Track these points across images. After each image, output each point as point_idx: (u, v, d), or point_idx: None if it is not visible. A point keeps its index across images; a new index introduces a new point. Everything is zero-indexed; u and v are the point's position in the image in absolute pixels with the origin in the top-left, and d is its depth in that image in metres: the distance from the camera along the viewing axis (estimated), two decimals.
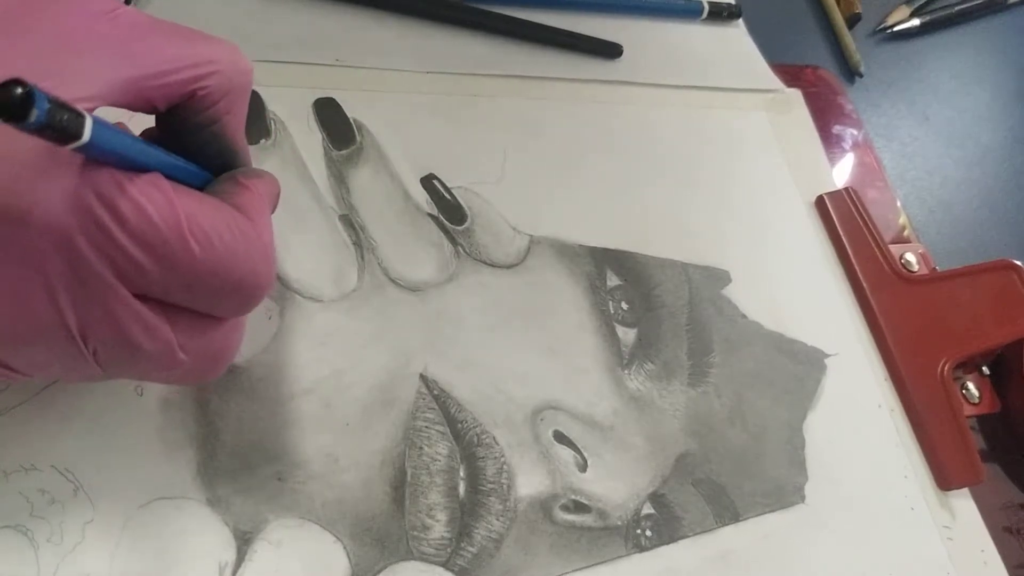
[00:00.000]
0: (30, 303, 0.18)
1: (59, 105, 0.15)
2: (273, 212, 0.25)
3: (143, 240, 0.19)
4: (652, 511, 0.33)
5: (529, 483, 0.31)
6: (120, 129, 0.18)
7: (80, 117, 0.16)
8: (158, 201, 0.19)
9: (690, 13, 0.48)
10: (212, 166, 0.23)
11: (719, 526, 0.33)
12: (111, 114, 0.20)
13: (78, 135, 0.16)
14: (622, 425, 0.34)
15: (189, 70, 0.21)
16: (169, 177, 0.20)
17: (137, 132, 0.23)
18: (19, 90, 0.14)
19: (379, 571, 0.28)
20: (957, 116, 0.59)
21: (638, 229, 0.39)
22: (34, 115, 0.14)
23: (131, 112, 0.21)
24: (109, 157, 0.18)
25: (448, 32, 0.41)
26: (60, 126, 0.15)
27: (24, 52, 0.18)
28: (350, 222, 0.34)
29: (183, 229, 0.19)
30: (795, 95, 0.49)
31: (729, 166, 0.44)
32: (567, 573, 0.30)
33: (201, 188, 0.23)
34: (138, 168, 0.19)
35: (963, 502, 0.39)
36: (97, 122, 0.16)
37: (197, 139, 0.23)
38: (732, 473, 0.35)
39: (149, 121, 0.23)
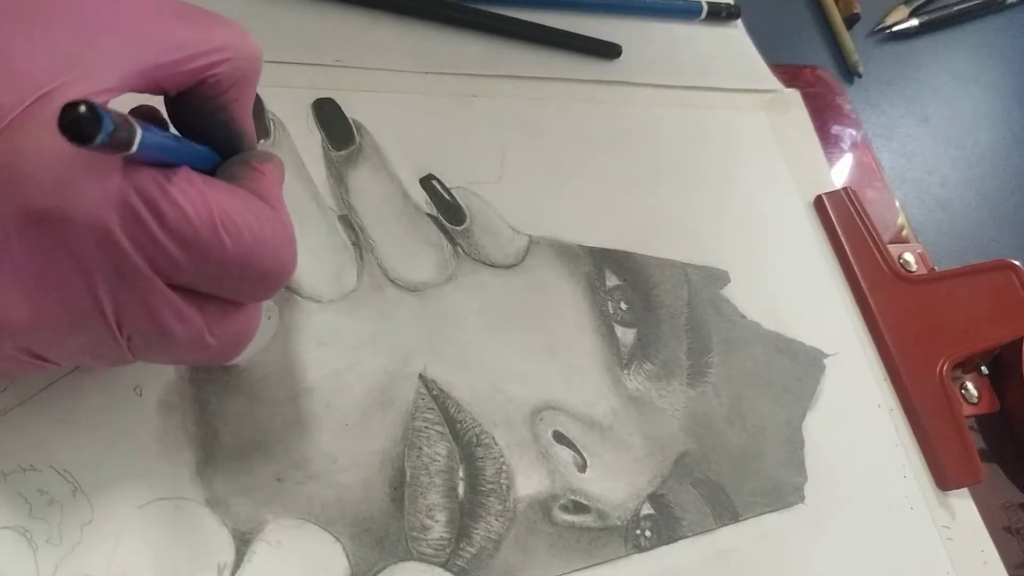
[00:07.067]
0: (72, 296, 0.19)
1: (121, 122, 0.15)
2: None
3: (180, 236, 0.19)
4: (651, 511, 0.33)
5: (528, 483, 0.31)
6: (155, 128, 0.19)
7: (132, 130, 0.16)
8: (194, 198, 0.20)
9: (689, 13, 0.48)
10: (220, 148, 0.24)
11: (718, 526, 0.33)
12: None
13: (129, 146, 0.16)
14: (621, 425, 0.34)
15: (201, 58, 0.21)
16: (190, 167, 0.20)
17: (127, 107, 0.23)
18: (83, 109, 0.14)
19: (378, 571, 0.28)
20: (956, 116, 0.59)
21: (637, 229, 0.39)
22: (99, 138, 0.15)
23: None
24: (146, 157, 0.19)
25: (447, 32, 0.41)
26: (118, 143, 0.16)
27: (45, 43, 0.18)
28: (349, 222, 0.34)
29: (216, 224, 0.20)
30: (794, 95, 0.49)
31: (728, 166, 0.44)
32: (566, 573, 0.30)
33: (212, 170, 0.23)
34: (165, 162, 0.20)
35: (963, 502, 0.39)
36: (144, 131, 0.17)
37: (206, 123, 0.23)
38: (731, 473, 0.35)
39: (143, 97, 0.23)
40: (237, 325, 0.23)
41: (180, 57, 0.21)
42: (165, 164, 0.20)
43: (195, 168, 0.21)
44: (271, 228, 0.22)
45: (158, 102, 0.23)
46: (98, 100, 0.18)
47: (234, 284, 0.22)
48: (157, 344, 0.21)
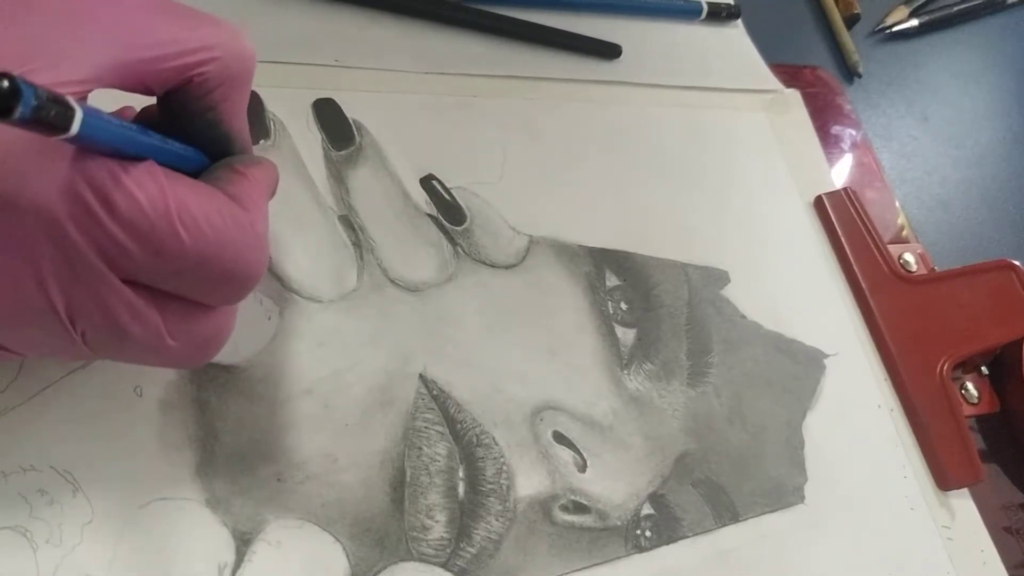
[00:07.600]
0: (19, 286, 0.19)
1: (49, 99, 0.15)
2: (272, 198, 0.25)
3: (131, 227, 0.19)
4: (652, 511, 0.33)
5: (528, 483, 0.31)
6: (113, 118, 0.18)
7: (70, 110, 0.15)
8: (149, 188, 0.19)
9: (689, 13, 0.48)
10: (211, 151, 0.23)
11: (718, 526, 0.33)
12: (113, 96, 0.20)
13: (66, 128, 0.16)
14: (621, 425, 0.34)
15: (187, 56, 0.21)
16: (164, 164, 0.20)
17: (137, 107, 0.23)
18: (5, 84, 0.14)
19: (378, 572, 0.28)
20: (956, 116, 0.59)
21: (637, 229, 0.39)
22: (18, 111, 0.14)
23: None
24: (101, 146, 0.18)
25: (447, 32, 0.41)
26: (47, 120, 0.15)
27: (21, 32, 0.18)
28: (349, 222, 0.34)
29: (172, 217, 0.19)
30: (794, 95, 0.49)
31: (728, 166, 0.44)
32: (567, 574, 0.30)
33: (198, 173, 0.23)
34: (133, 156, 0.19)
35: (963, 502, 0.39)
36: (88, 114, 0.16)
37: (195, 124, 0.22)
38: (731, 473, 0.35)
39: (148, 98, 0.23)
40: (203, 329, 0.23)
41: (164, 53, 0.20)
42: (132, 157, 0.19)
43: (177, 169, 0.21)
44: (236, 228, 0.21)
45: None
46: (69, 90, 0.18)
47: (195, 283, 0.21)
48: (112, 342, 0.21)
